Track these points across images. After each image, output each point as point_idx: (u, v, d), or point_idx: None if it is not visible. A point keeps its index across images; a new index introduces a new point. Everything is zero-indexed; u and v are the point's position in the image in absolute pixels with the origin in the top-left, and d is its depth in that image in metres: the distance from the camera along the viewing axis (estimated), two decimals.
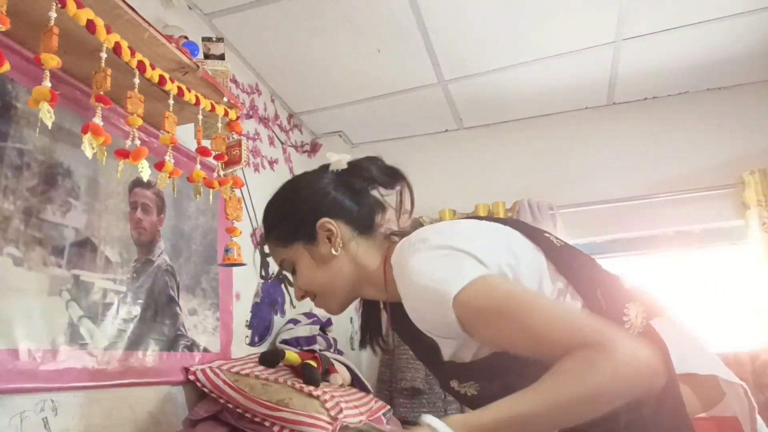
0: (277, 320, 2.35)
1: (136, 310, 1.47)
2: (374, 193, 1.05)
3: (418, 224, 2.60)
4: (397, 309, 0.93)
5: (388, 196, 1.06)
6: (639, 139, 2.78)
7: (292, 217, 1.01)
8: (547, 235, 0.94)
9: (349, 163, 1.02)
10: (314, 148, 3.06)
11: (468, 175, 3.02)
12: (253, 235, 2.25)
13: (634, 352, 0.70)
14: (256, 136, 2.41)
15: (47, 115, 0.95)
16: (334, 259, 0.98)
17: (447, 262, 0.80)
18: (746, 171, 2.51)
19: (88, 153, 1.04)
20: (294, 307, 2.54)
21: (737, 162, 2.58)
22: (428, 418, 0.71)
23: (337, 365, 1.98)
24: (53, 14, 0.99)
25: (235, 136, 1.56)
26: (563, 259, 0.89)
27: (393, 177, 1.02)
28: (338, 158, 1.03)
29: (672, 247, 2.70)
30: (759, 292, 2.39)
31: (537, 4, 2.06)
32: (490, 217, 1.02)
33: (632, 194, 2.67)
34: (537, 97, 2.77)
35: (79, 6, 1.04)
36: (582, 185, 2.79)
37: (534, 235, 0.92)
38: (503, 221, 0.97)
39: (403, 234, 0.98)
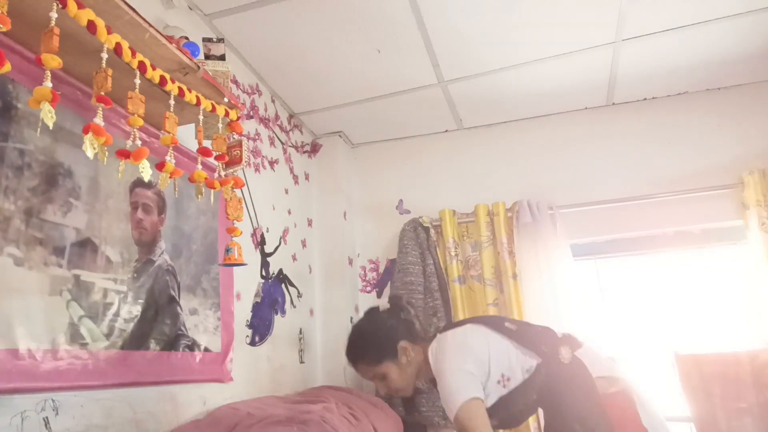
0: (278, 320, 2.35)
1: (137, 310, 1.48)
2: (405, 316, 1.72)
3: (417, 224, 2.92)
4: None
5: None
6: (639, 139, 2.79)
7: (385, 343, 1.64)
8: (507, 325, 1.59)
9: (389, 302, 1.78)
10: (314, 149, 3.06)
11: (468, 175, 3.02)
12: (253, 234, 2.26)
13: None
14: (256, 137, 2.42)
15: (48, 115, 0.95)
16: (409, 364, 1.63)
17: (455, 380, 1.48)
18: (746, 171, 2.51)
19: (89, 153, 1.04)
20: (294, 307, 2.55)
21: (737, 162, 2.58)
22: None
23: None
24: (54, 15, 0.99)
25: (236, 137, 1.56)
26: (519, 338, 1.56)
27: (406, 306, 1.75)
28: (382, 303, 1.71)
29: (672, 247, 2.71)
30: (758, 291, 2.39)
31: (537, 4, 2.06)
32: (478, 321, 1.66)
33: (632, 194, 2.67)
34: (537, 97, 2.77)
35: (80, 6, 1.04)
36: (582, 185, 2.79)
37: (500, 328, 1.58)
38: (483, 322, 1.62)
39: (427, 339, 1.68)
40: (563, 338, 1.57)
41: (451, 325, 1.71)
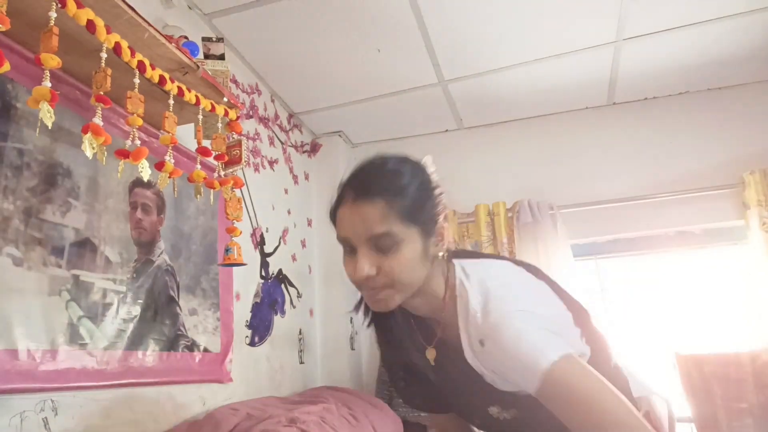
0: (277, 320, 2.35)
1: (136, 310, 1.47)
2: None
3: None
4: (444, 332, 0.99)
5: None
6: (639, 139, 2.78)
7: (426, 202, 0.93)
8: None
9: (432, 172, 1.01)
10: (314, 148, 3.06)
11: (468, 175, 3.02)
12: (253, 234, 2.25)
13: None
14: (256, 136, 2.41)
15: (47, 115, 0.95)
16: (431, 259, 0.94)
17: (539, 331, 0.86)
18: (746, 171, 2.50)
19: (89, 153, 1.04)
20: (294, 307, 2.54)
21: (737, 162, 2.58)
22: None
23: None
24: (53, 14, 0.99)
25: (235, 136, 1.56)
26: (576, 314, 0.99)
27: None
28: (427, 159, 1.02)
29: (672, 247, 2.70)
30: (759, 292, 2.39)
31: (537, 4, 2.06)
32: (529, 268, 1.05)
33: (632, 194, 2.67)
34: (537, 97, 2.77)
35: (79, 6, 1.04)
36: (582, 185, 2.79)
37: (560, 292, 1.01)
38: (536, 273, 1.03)
39: (450, 254, 0.99)
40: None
41: (482, 255, 1.15)
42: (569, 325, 0.97)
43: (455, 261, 0.99)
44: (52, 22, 0.99)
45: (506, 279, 0.98)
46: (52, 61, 0.96)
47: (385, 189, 0.89)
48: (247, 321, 2.11)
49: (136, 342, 1.45)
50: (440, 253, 0.95)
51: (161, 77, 1.27)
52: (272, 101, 2.63)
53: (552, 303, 0.98)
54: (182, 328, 1.66)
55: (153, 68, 1.24)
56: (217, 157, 1.50)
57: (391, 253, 0.88)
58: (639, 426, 0.78)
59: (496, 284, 0.94)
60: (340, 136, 3.09)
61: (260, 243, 2.31)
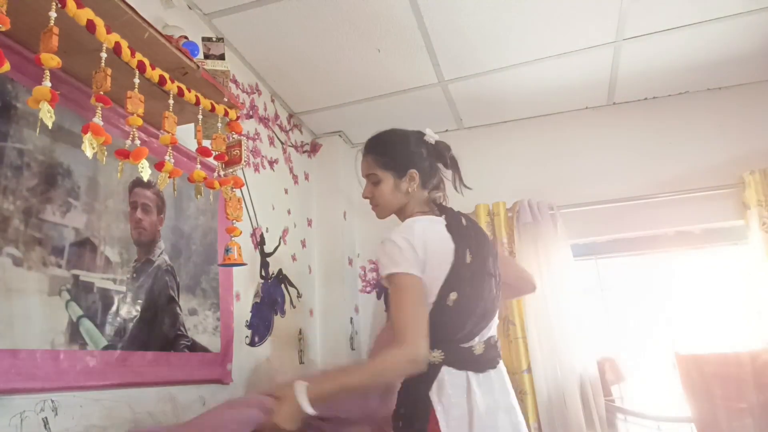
0: (277, 320, 2.35)
1: (136, 310, 1.47)
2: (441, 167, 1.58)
3: None
4: None
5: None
6: (639, 139, 2.78)
7: (397, 155, 1.51)
8: (468, 257, 1.38)
9: (436, 141, 1.60)
10: (314, 148, 3.06)
11: (468, 174, 2.98)
12: (253, 234, 2.25)
13: (406, 351, 1.23)
14: (256, 136, 2.41)
15: (47, 114, 0.95)
16: (404, 193, 1.48)
17: (395, 249, 1.32)
18: (746, 171, 2.50)
19: (89, 153, 1.04)
20: (294, 308, 2.54)
21: (737, 162, 2.58)
22: (297, 384, 1.23)
23: None
24: (53, 14, 0.99)
25: (235, 136, 1.56)
26: (459, 275, 1.34)
27: (454, 165, 1.61)
28: (430, 133, 1.60)
29: (672, 247, 2.70)
30: (759, 291, 2.39)
31: (537, 4, 2.06)
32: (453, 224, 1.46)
33: (632, 194, 2.67)
34: (537, 97, 2.77)
35: (79, 6, 1.04)
36: (582, 185, 2.79)
37: (462, 255, 1.37)
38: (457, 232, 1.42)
39: (433, 206, 1.52)
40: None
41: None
42: (437, 265, 1.33)
43: (420, 216, 1.46)
44: (52, 22, 0.99)
45: (415, 225, 1.38)
46: (52, 61, 0.96)
47: (374, 149, 1.57)
48: (247, 321, 2.11)
49: (136, 342, 1.45)
50: (408, 189, 1.48)
51: (161, 77, 1.27)
52: (272, 101, 2.63)
53: (431, 246, 1.34)
54: (182, 328, 1.66)
55: (153, 68, 1.24)
56: (217, 157, 1.50)
57: (375, 187, 1.51)
58: (406, 333, 1.23)
59: (407, 224, 1.40)
60: (340, 136, 3.09)
61: (260, 243, 2.31)
